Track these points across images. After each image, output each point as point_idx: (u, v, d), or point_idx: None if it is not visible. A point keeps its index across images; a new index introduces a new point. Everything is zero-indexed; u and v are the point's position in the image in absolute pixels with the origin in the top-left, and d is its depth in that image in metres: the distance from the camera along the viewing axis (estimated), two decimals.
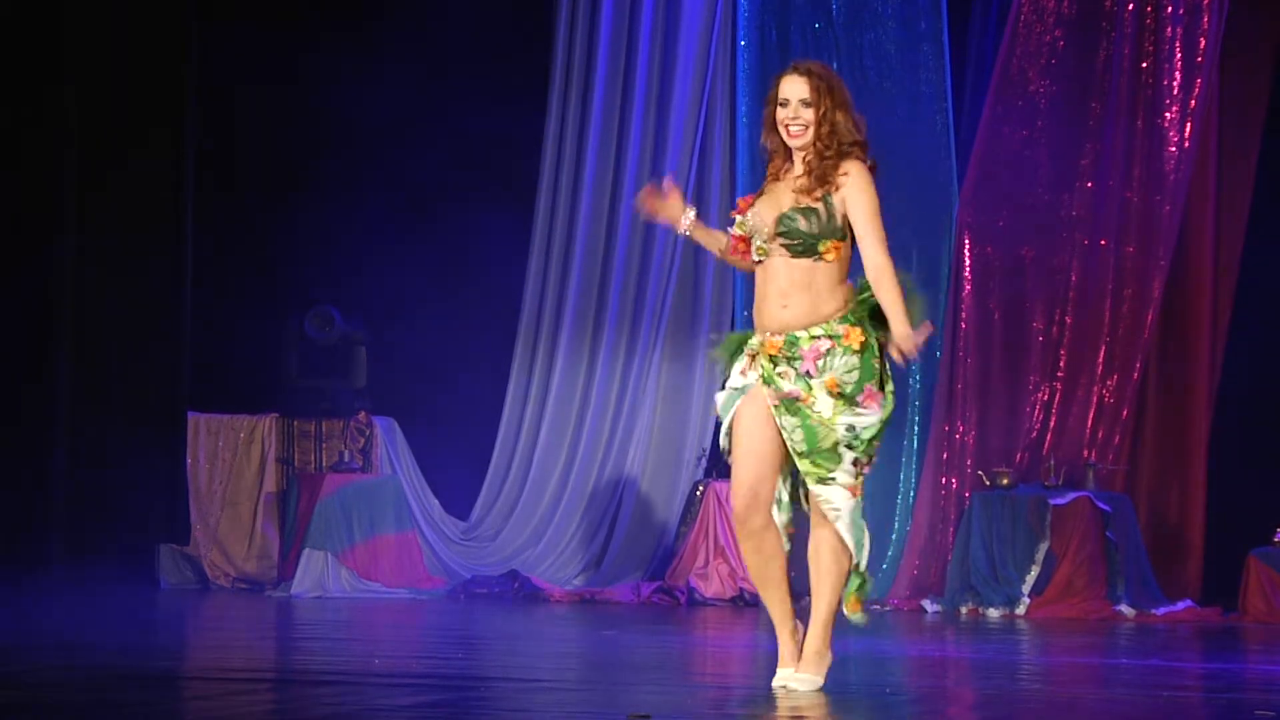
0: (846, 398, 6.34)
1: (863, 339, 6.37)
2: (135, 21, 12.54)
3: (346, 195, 13.37)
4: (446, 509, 13.15)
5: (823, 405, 6.35)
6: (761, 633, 10.20)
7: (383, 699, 6.19)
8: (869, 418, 6.36)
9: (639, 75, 13.12)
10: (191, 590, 12.70)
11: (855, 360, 6.37)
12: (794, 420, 6.37)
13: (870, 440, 6.38)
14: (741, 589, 12.18)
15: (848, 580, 6.49)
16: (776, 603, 6.50)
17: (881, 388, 6.40)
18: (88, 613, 10.34)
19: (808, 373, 6.36)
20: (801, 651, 6.51)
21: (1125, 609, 11.76)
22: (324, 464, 12.96)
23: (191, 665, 7.65)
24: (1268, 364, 12.40)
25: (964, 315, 12.53)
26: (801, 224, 6.40)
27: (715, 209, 13.11)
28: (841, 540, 6.42)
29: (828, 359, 6.36)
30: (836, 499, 6.39)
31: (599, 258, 13.19)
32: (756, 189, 6.64)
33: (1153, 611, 11.77)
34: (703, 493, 12.51)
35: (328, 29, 13.25)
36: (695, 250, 13.05)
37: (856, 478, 6.41)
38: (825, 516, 6.41)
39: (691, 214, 6.60)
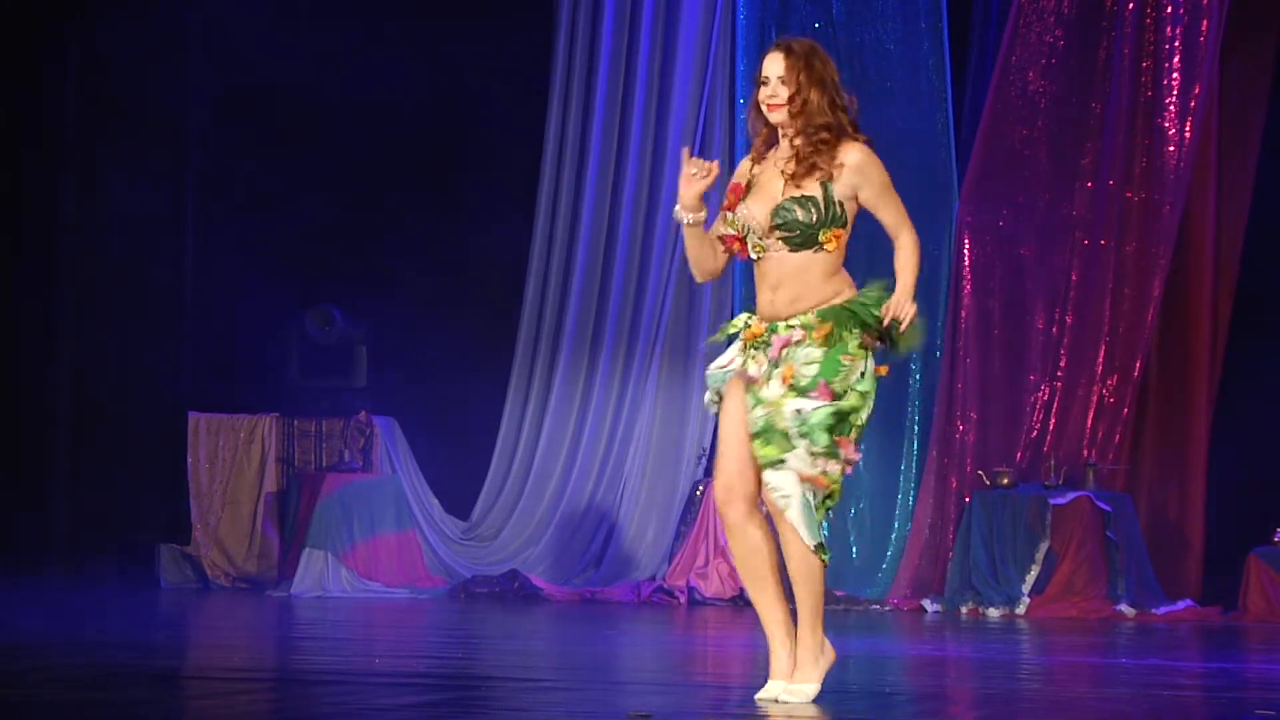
0: (799, 390, 5.97)
1: (828, 332, 6.00)
2: (133, 25, 12.56)
3: (348, 194, 13.37)
4: (446, 509, 13.15)
5: (772, 390, 6.00)
6: (761, 632, 10.19)
7: (383, 699, 6.19)
8: (819, 405, 5.94)
9: (639, 75, 13.12)
10: (192, 590, 12.70)
11: (818, 354, 6.00)
12: (753, 401, 6.05)
13: (825, 429, 5.94)
14: (741, 589, 12.17)
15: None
16: (766, 605, 6.14)
17: (844, 388, 5.98)
18: (88, 612, 10.34)
19: (775, 360, 6.05)
20: (795, 660, 6.15)
21: (1125, 608, 11.76)
22: (324, 463, 12.96)
23: (191, 665, 7.65)
24: (1268, 364, 12.39)
25: (964, 315, 12.51)
26: (799, 214, 6.07)
27: (715, 209, 13.07)
28: (799, 535, 5.98)
29: (793, 349, 6.03)
30: (785, 485, 5.98)
31: (600, 257, 13.19)
32: None
33: (1153, 611, 11.76)
34: (702, 493, 12.51)
35: (329, 28, 13.26)
36: None
37: (817, 469, 5.97)
38: (781, 510, 5.98)
39: (703, 215, 6.29)
